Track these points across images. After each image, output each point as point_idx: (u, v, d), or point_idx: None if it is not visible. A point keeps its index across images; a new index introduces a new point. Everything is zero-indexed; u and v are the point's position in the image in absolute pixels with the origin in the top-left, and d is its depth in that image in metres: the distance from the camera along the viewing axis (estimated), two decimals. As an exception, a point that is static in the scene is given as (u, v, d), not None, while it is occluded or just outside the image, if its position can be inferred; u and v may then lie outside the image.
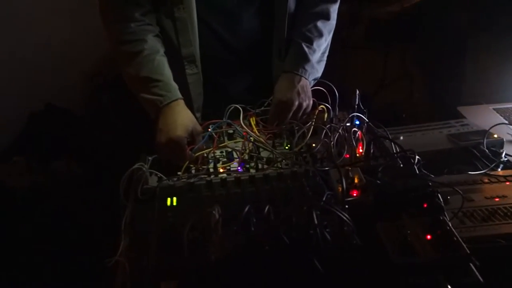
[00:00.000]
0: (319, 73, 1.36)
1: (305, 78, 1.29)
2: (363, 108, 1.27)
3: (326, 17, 1.34)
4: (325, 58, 1.39)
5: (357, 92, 1.26)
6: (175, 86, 1.19)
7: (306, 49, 1.30)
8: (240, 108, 1.23)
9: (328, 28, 1.36)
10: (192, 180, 1.01)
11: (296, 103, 1.25)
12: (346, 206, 0.86)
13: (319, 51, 1.34)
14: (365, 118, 1.23)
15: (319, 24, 1.33)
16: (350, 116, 1.22)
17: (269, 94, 1.31)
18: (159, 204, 0.95)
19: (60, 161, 2.49)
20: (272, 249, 0.76)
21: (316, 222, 0.76)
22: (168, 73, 1.20)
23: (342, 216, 0.78)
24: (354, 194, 0.95)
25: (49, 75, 2.85)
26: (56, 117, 2.83)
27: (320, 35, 1.33)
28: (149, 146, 1.19)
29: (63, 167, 2.46)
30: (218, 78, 1.34)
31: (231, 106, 1.25)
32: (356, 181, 0.97)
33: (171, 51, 1.25)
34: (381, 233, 0.84)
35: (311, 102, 1.30)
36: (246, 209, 0.76)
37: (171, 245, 0.81)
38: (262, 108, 1.31)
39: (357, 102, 1.26)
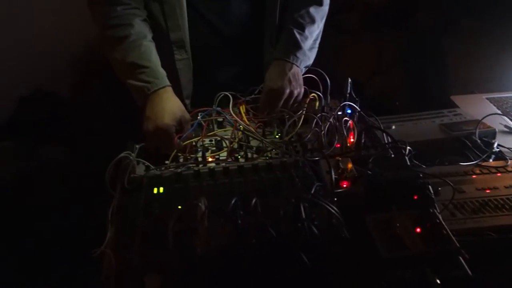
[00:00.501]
0: (310, 61, 1.33)
1: (297, 66, 1.26)
2: (355, 96, 1.26)
3: (319, 3, 1.32)
4: (317, 45, 1.36)
5: (349, 80, 1.24)
6: (163, 72, 1.16)
7: (298, 36, 1.27)
8: (230, 95, 1.20)
9: (320, 14, 1.33)
10: (179, 170, 0.99)
11: (287, 91, 1.23)
12: (335, 199, 0.84)
13: (311, 38, 1.31)
14: (357, 107, 1.21)
15: (312, 10, 1.30)
16: (342, 105, 1.21)
17: (260, 82, 1.29)
18: (145, 194, 0.93)
19: (48, 147, 2.46)
20: (258, 243, 0.74)
21: (303, 215, 0.74)
22: (155, 59, 1.17)
23: (330, 209, 0.77)
24: (344, 185, 0.94)
25: (39, 59, 2.79)
26: (45, 102, 2.78)
27: (313, 21, 1.30)
28: (137, 133, 1.17)
29: (51, 153, 2.42)
30: (208, 65, 1.31)
31: (221, 94, 1.22)
32: (346, 171, 0.96)
33: (159, 36, 1.22)
34: (370, 226, 0.83)
35: (303, 90, 1.28)
36: (233, 201, 0.74)
37: (156, 237, 0.79)
38: (252, 96, 1.29)
39: (348, 91, 1.24)
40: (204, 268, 0.74)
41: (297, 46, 1.27)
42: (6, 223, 1.95)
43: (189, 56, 1.26)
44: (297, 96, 1.26)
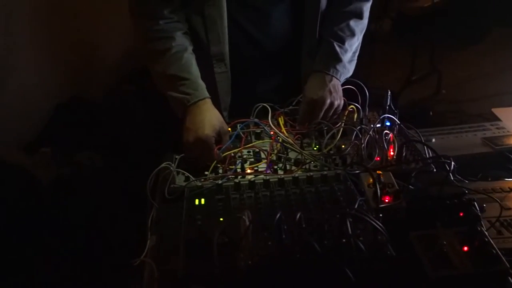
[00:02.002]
0: (350, 73, 1.33)
1: (337, 78, 1.26)
2: (394, 108, 1.24)
3: (359, 16, 1.31)
4: (356, 57, 1.36)
5: (389, 92, 1.23)
6: (202, 84, 1.18)
7: (337, 48, 1.27)
8: (268, 107, 1.21)
9: (360, 27, 1.33)
10: (220, 181, 0.99)
11: (328, 101, 1.23)
12: (380, 215, 0.83)
13: (351, 51, 1.31)
14: (397, 120, 1.19)
15: (352, 23, 1.30)
16: (381, 117, 1.19)
17: (297, 94, 1.29)
18: (187, 205, 0.94)
19: (84, 154, 2.51)
20: (303, 258, 0.74)
21: (350, 231, 0.73)
22: (195, 71, 1.19)
23: (377, 226, 0.76)
24: (386, 200, 0.92)
25: (75, 67, 2.88)
26: (81, 109, 2.85)
27: (352, 34, 1.30)
28: (174, 143, 1.18)
29: (86, 160, 2.48)
30: (246, 77, 1.32)
31: (259, 105, 1.23)
32: (388, 186, 0.94)
33: (200, 49, 1.24)
34: (415, 242, 0.81)
35: (342, 102, 1.27)
36: (278, 216, 0.74)
37: (200, 249, 0.80)
38: (290, 107, 1.29)
39: (388, 103, 1.23)
40: (248, 281, 0.74)
41: (337, 59, 1.27)
42: (42, 228, 2.00)
43: (228, 69, 1.28)
44: (337, 108, 1.26)
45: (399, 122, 1.19)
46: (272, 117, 1.19)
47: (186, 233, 0.85)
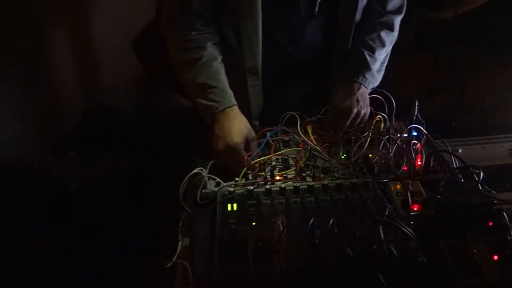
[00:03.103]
0: (377, 82, 1.35)
1: (365, 86, 1.28)
2: (420, 119, 1.26)
3: (391, 28, 1.34)
4: (383, 68, 1.38)
5: (416, 103, 1.25)
6: (230, 92, 1.21)
7: (368, 57, 1.29)
8: (296, 115, 1.24)
9: (390, 39, 1.35)
10: (251, 187, 1.02)
11: (355, 110, 1.25)
12: (412, 222, 0.85)
13: (379, 61, 1.33)
14: (424, 130, 1.21)
15: (383, 34, 1.32)
16: (409, 127, 1.21)
17: (325, 103, 1.31)
18: (220, 210, 0.97)
19: (108, 159, 2.57)
20: (336, 263, 0.76)
21: (382, 237, 0.75)
22: (224, 79, 1.22)
23: (408, 232, 0.78)
24: (415, 208, 0.94)
25: (102, 74, 2.95)
26: (107, 115, 2.92)
27: (383, 45, 1.32)
28: (203, 149, 1.22)
29: (111, 165, 2.53)
30: (277, 88, 1.34)
31: (287, 114, 1.26)
32: (417, 195, 0.96)
33: (234, 62, 1.27)
34: (446, 251, 0.83)
35: (369, 110, 1.29)
36: (311, 221, 0.77)
37: (235, 252, 0.82)
38: (318, 116, 1.31)
39: (415, 113, 1.25)
40: (282, 285, 0.76)
41: (367, 67, 1.29)
42: (69, 231, 2.05)
43: (260, 81, 1.30)
44: (363, 116, 1.27)
45: (426, 133, 1.21)
46: (300, 126, 1.22)
47: (220, 237, 0.88)
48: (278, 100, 1.33)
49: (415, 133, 1.22)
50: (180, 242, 1.03)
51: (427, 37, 2.98)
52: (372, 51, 1.30)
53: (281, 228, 0.80)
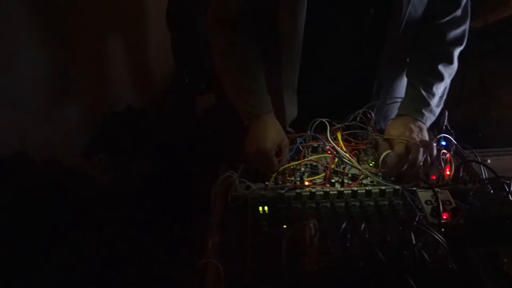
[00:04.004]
0: (435, 117, 1.26)
1: (422, 122, 1.22)
2: (450, 129, 1.27)
3: (450, 60, 1.26)
4: (442, 103, 1.29)
5: (446, 113, 1.26)
6: (268, 98, 1.24)
7: (424, 92, 1.23)
8: (326, 122, 1.26)
9: (449, 71, 1.27)
10: (282, 191, 1.05)
11: (421, 150, 1.12)
12: (442, 229, 0.86)
13: (438, 95, 1.26)
14: (453, 140, 1.22)
15: (441, 67, 1.24)
16: (438, 137, 1.22)
17: (354, 110, 1.32)
18: (251, 212, 0.99)
19: (136, 161, 2.63)
20: (367, 266, 0.78)
21: (413, 242, 0.77)
22: (263, 85, 1.25)
23: (439, 239, 0.79)
24: (445, 217, 0.95)
25: (130, 77, 3.03)
26: (134, 118, 2.99)
27: (441, 79, 1.25)
28: (234, 153, 1.25)
29: (139, 166, 2.59)
30: (311, 101, 1.35)
31: (317, 120, 1.28)
32: (446, 203, 0.97)
33: (271, 74, 1.29)
34: (476, 259, 0.84)
35: (435, 149, 1.14)
36: (343, 225, 0.79)
37: (266, 253, 0.85)
38: (346, 123, 1.32)
39: (445, 123, 1.26)
40: (313, 286, 0.78)
41: (424, 103, 1.23)
42: (98, 231, 2.11)
43: (295, 94, 1.33)
44: (429, 154, 1.13)
45: (455, 143, 1.22)
46: (330, 132, 1.24)
47: (253, 237, 0.91)
48: (311, 109, 1.34)
49: (444, 143, 1.23)
50: (210, 242, 1.06)
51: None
52: (430, 85, 1.24)
53: (313, 231, 0.82)
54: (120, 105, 3.05)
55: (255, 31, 1.27)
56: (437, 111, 1.27)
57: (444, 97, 1.31)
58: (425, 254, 0.77)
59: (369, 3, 1.20)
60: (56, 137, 2.52)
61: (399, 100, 1.33)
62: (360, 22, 1.22)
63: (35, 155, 2.36)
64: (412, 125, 1.20)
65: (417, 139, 1.15)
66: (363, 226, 0.80)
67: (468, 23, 1.27)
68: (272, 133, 1.19)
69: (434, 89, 1.25)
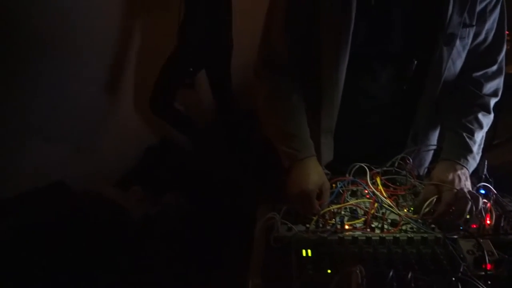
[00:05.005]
0: (476, 164, 1.30)
1: (466, 169, 1.25)
2: (489, 177, 1.28)
3: (487, 110, 1.33)
4: (481, 151, 1.33)
5: (485, 161, 1.28)
6: (311, 143, 1.29)
7: (467, 139, 1.28)
8: (365, 167, 1.29)
9: (487, 121, 1.33)
10: (325, 235, 1.08)
11: (470, 203, 1.14)
12: (489, 282, 0.87)
13: (477, 143, 1.31)
14: (493, 189, 1.23)
15: (480, 116, 1.31)
16: (478, 185, 1.23)
17: (392, 157, 1.35)
18: (295, 255, 1.02)
19: (171, 194, 2.69)
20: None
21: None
22: (306, 130, 1.30)
23: (485, 291, 0.80)
24: (488, 268, 0.96)
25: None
26: (169, 151, 3.08)
27: (480, 127, 1.31)
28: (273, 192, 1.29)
29: (173, 200, 2.65)
30: (347, 145, 1.38)
31: (356, 165, 1.31)
32: (488, 254, 0.98)
33: (311, 119, 1.34)
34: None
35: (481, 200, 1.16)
36: (391, 273, 0.81)
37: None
38: (384, 168, 1.35)
39: (484, 172, 1.27)
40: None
41: (467, 149, 1.27)
42: (132, 263, 2.15)
43: (332, 138, 1.37)
44: (475, 205, 1.14)
45: (495, 192, 1.23)
46: (369, 177, 1.27)
47: (298, 282, 0.93)
48: (347, 153, 1.37)
49: (483, 191, 1.25)
50: (251, 283, 1.08)
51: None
52: (471, 133, 1.29)
53: (360, 278, 0.84)
54: (155, 138, 3.16)
55: (300, 77, 1.33)
56: (478, 158, 1.30)
57: (482, 145, 1.34)
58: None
59: (412, 56, 1.25)
60: (93, 168, 2.62)
61: (434, 147, 1.38)
62: (402, 75, 1.27)
63: (72, 185, 2.46)
64: (459, 172, 1.23)
65: (465, 189, 1.18)
66: (410, 275, 0.82)
67: (503, 76, 1.34)
68: (315, 176, 1.23)
69: (475, 136, 1.29)
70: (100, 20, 2.53)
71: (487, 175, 1.28)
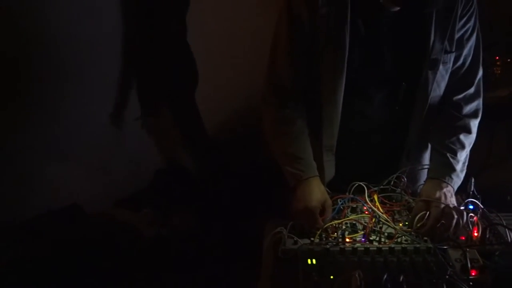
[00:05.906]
0: (460, 182, 1.44)
1: (451, 186, 1.39)
2: (476, 194, 1.41)
3: (468, 131, 1.45)
4: (465, 168, 1.47)
5: (472, 180, 1.40)
6: (314, 164, 1.43)
7: (451, 159, 1.41)
8: (364, 186, 1.41)
9: (469, 141, 1.46)
10: (328, 246, 1.20)
11: (455, 214, 1.27)
12: (471, 283, 0.99)
13: (461, 162, 1.44)
14: (480, 204, 1.35)
15: (462, 137, 1.44)
16: (466, 201, 1.36)
17: (389, 175, 1.48)
18: (302, 264, 1.14)
19: (180, 216, 2.80)
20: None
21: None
22: (309, 152, 1.44)
23: (468, 291, 0.92)
24: (473, 274, 1.08)
25: (171, 138, 3.25)
26: (177, 174, 3.19)
27: (463, 147, 1.44)
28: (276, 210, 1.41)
29: (183, 221, 2.75)
30: (348, 163, 1.51)
31: (355, 183, 1.44)
32: (474, 261, 1.10)
33: (315, 139, 1.48)
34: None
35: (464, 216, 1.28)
36: (385, 276, 0.93)
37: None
38: (381, 186, 1.47)
39: (472, 189, 1.40)
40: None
41: (451, 169, 1.41)
42: (144, 284, 2.24)
43: (334, 156, 1.50)
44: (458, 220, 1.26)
45: (482, 207, 1.35)
46: (367, 195, 1.39)
47: (304, 286, 1.05)
48: (348, 169, 1.50)
49: (471, 207, 1.37)
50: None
51: (482, 114, 3.10)
52: (454, 153, 1.42)
53: (359, 281, 0.96)
54: (164, 162, 3.27)
55: (303, 101, 1.47)
56: (462, 176, 1.45)
57: (466, 163, 1.49)
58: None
59: (401, 79, 1.40)
60: (106, 191, 2.73)
61: (426, 166, 1.53)
62: (393, 97, 1.42)
63: (86, 207, 2.56)
64: (445, 190, 1.37)
65: (451, 205, 1.32)
66: (401, 278, 0.94)
67: (481, 99, 1.48)
68: (318, 194, 1.36)
69: (458, 156, 1.43)
70: (116, 47, 2.69)
71: (474, 191, 1.40)
